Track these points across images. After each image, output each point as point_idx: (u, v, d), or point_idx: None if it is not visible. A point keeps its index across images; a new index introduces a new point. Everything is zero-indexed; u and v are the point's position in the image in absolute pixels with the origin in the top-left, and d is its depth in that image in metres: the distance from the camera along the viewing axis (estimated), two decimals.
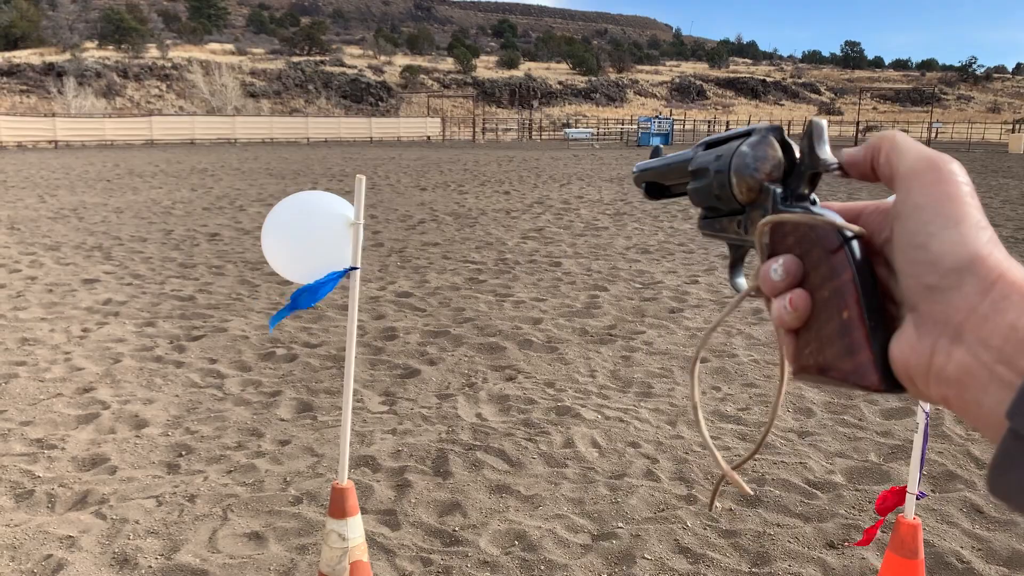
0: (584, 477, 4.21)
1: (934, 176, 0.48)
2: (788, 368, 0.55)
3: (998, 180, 23.47)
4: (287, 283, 8.81)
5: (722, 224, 0.64)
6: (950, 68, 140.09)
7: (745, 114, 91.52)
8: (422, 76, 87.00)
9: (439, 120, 58.45)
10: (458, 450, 4.51)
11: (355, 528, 2.82)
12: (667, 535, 3.63)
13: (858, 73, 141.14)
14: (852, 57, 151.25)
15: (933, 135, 56.01)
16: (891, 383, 0.49)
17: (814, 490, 4.08)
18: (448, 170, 26.03)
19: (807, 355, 0.52)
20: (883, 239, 0.52)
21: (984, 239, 0.45)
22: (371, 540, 3.49)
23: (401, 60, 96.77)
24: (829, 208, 0.56)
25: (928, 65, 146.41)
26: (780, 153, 0.59)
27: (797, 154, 0.59)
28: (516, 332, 6.91)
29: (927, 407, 2.53)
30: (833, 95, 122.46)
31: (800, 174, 0.58)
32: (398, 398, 5.36)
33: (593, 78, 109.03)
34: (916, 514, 2.68)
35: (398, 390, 5.51)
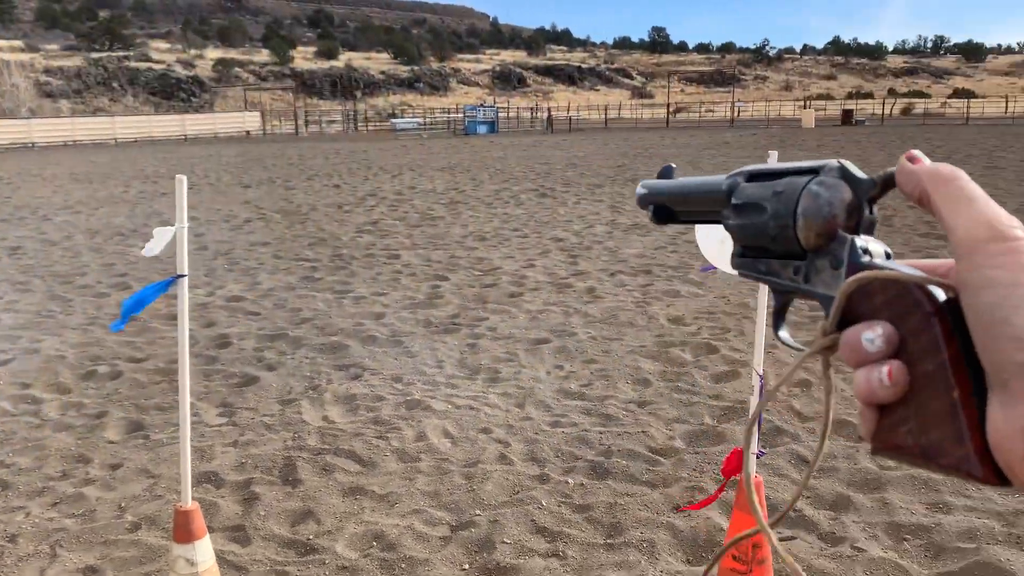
0: (439, 469, 4.20)
1: (1000, 247, 0.43)
2: (867, 443, 0.49)
3: (794, 152, 25.46)
4: (103, 295, 8.21)
5: (770, 266, 0.58)
6: (747, 50, 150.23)
7: (564, 99, 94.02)
8: (236, 69, 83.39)
9: (258, 114, 56.27)
10: (306, 456, 4.37)
11: (203, 551, 2.68)
12: (524, 517, 3.68)
13: (665, 57, 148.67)
14: (659, 42, 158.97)
15: (736, 114, 59.90)
16: (1002, 475, 0.43)
17: (658, 456, 4.27)
18: (272, 165, 25.14)
19: (904, 434, 0.46)
20: None
21: None
22: (221, 559, 3.32)
23: (213, 53, 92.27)
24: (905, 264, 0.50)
25: (727, 48, 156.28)
26: (852, 196, 0.53)
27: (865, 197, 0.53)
28: (358, 329, 6.78)
29: (760, 368, 2.68)
30: (644, 79, 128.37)
31: (862, 208, 0.53)
32: (237, 408, 5.12)
33: (416, 67, 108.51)
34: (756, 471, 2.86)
35: (236, 400, 5.27)
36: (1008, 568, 3.13)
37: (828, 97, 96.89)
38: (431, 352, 6.15)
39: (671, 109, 64.03)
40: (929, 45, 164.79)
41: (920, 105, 64.55)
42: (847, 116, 46.05)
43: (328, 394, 5.30)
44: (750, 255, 0.60)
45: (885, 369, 0.46)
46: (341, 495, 3.95)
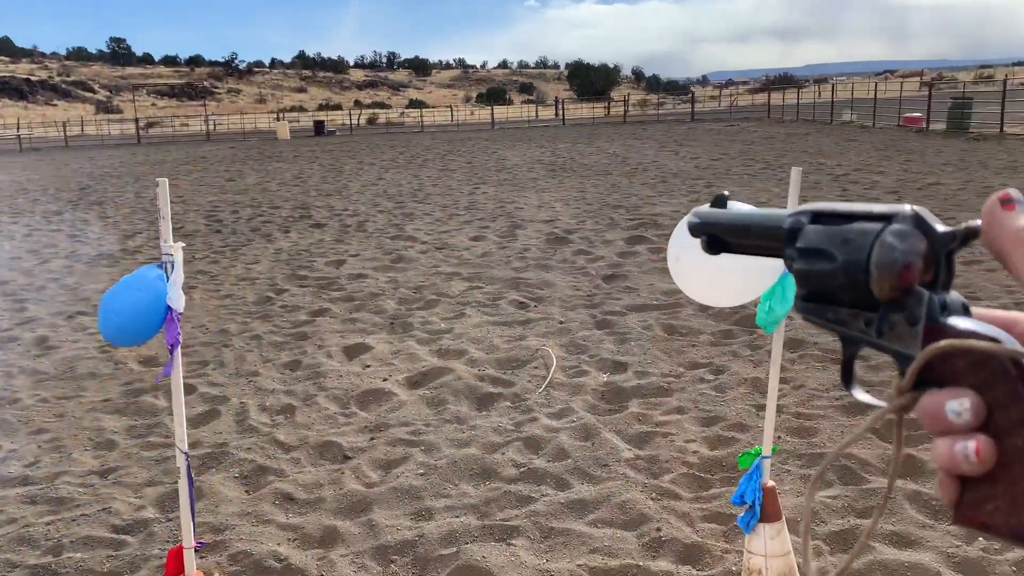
0: None
1: None
2: (950, 513, 0.47)
3: (273, 165, 25.52)
4: None
5: (839, 315, 0.54)
6: (216, 63, 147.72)
7: (13, 116, 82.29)
8: None
9: None
10: None
11: None
12: None
13: (130, 70, 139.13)
14: (121, 53, 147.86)
15: (212, 128, 58.34)
16: None
17: (124, 536, 3.63)
18: None
19: (991, 512, 0.45)
20: None
21: None
22: None
23: None
24: (984, 318, 0.49)
25: (196, 61, 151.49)
26: (928, 247, 0.50)
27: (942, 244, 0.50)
28: None
29: (184, 447, 2.28)
30: (109, 93, 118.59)
31: (937, 264, 0.50)
32: None
33: None
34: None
35: None
36: (484, 566, 3.24)
37: (301, 109, 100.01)
38: None
39: (142, 124, 59.84)
40: (384, 60, 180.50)
41: (383, 115, 70.09)
42: (319, 127, 47.80)
43: None
44: (816, 301, 0.56)
45: (972, 445, 0.44)
46: None
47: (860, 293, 0.53)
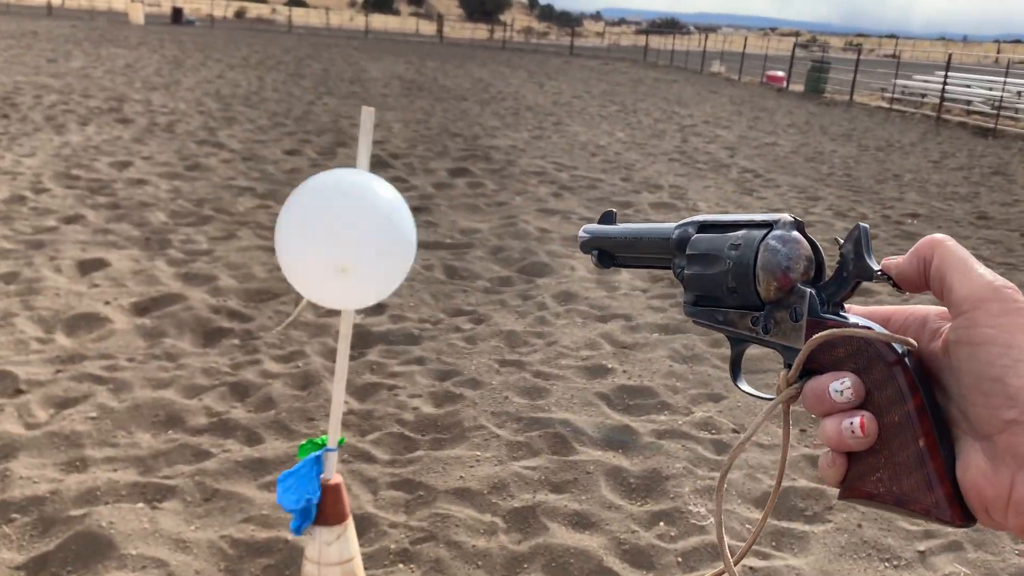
0: None
1: (1001, 307, 0.46)
2: (837, 489, 0.52)
3: (109, 50, 23.38)
4: None
5: (727, 316, 0.59)
6: None
7: None
8: None
9: None
10: None
11: None
12: None
13: None
14: None
15: (59, 1, 53.15)
16: (968, 516, 0.47)
17: None
18: None
19: (875, 482, 0.49)
20: (927, 352, 0.51)
21: None
22: None
23: None
24: (860, 315, 0.54)
25: None
26: (810, 251, 0.56)
27: (823, 254, 0.56)
28: None
29: None
30: None
31: (844, 280, 0.54)
32: None
33: None
34: None
35: None
36: (106, 534, 2.82)
37: None
38: None
39: None
40: None
41: (254, 9, 65.81)
42: (177, 14, 44.36)
43: None
44: (705, 304, 0.60)
45: (857, 420, 0.49)
46: None
47: (747, 294, 0.57)
